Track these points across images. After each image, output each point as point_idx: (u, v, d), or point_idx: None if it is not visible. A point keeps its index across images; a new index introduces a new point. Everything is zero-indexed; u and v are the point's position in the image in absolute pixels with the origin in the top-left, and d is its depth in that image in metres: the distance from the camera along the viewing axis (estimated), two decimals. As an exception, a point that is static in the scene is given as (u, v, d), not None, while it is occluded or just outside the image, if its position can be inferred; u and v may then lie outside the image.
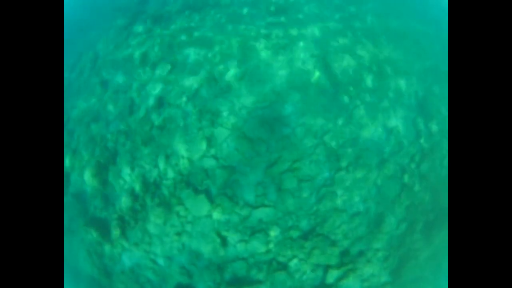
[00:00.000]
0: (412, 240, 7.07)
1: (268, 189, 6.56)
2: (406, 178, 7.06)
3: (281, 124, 6.89)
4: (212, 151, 6.72)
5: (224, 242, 6.53)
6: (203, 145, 6.74)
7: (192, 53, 7.60)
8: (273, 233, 6.50)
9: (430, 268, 7.62)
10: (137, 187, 6.83)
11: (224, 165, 6.66)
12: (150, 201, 6.70)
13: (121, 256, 6.95)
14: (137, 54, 7.96)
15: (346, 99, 7.29)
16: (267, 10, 8.43)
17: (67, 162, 7.64)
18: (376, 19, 9.19)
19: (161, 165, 6.77)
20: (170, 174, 6.70)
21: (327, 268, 6.59)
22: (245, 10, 8.44)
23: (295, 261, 6.51)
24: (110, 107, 7.53)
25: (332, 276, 6.60)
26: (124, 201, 6.85)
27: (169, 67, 7.45)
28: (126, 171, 6.99)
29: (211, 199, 6.56)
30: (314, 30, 8.06)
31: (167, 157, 6.77)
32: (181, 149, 6.78)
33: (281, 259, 6.51)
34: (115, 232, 6.85)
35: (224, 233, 6.53)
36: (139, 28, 8.52)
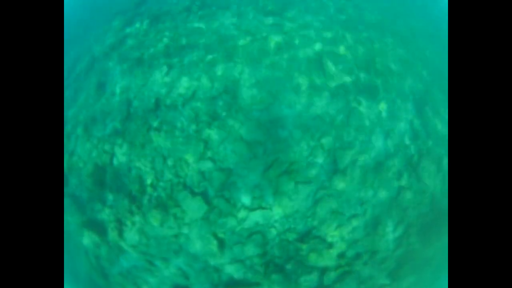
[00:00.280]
0: (409, 242, 7.05)
1: (265, 192, 6.55)
2: (403, 180, 7.03)
3: (278, 126, 6.86)
4: (209, 154, 6.71)
5: (221, 244, 6.54)
6: (200, 148, 6.73)
7: (189, 55, 7.57)
8: (270, 235, 6.50)
9: (429, 270, 7.61)
10: (134, 189, 6.84)
11: (221, 168, 6.65)
12: (147, 203, 6.71)
13: (119, 257, 6.97)
14: (134, 55, 7.94)
15: (343, 101, 7.25)
16: (264, 10, 8.39)
17: (64, 163, 7.66)
18: (376, 17, 9.15)
19: (158, 167, 6.77)
20: (167, 176, 6.71)
21: (324, 270, 6.60)
22: (245, 10, 8.40)
23: (292, 263, 6.52)
24: (107, 109, 7.53)
25: (329, 278, 6.60)
26: (122, 203, 6.86)
27: (166, 69, 7.44)
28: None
29: (208, 201, 6.56)
30: (310, 32, 8.01)
31: (164, 159, 6.77)
32: (178, 151, 6.78)
33: (278, 261, 6.51)
34: (113, 234, 6.87)
35: (221, 235, 6.54)
36: (137, 29, 8.50)
